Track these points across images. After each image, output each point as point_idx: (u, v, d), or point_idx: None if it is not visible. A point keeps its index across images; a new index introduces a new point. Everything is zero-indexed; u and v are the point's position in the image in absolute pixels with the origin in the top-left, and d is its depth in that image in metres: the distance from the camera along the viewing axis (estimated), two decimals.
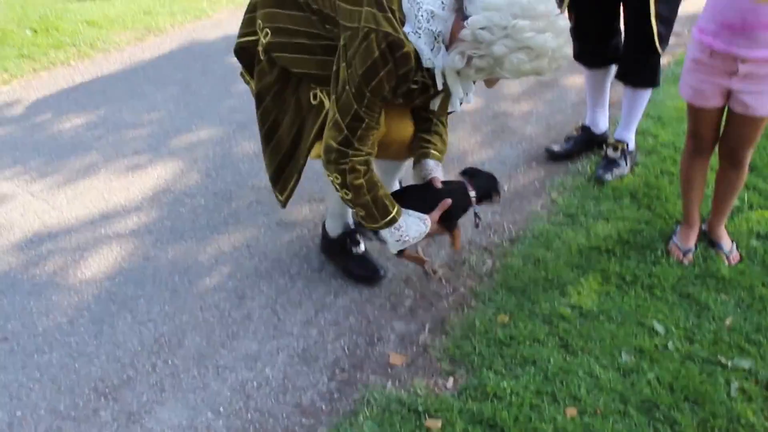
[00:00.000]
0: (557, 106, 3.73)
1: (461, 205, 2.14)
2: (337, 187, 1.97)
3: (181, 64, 4.47)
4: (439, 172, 2.13)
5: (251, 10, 2.10)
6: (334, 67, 1.85)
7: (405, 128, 2.13)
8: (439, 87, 1.87)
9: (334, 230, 2.44)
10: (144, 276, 2.45)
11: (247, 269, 2.47)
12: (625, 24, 2.78)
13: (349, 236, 2.41)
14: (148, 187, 3.00)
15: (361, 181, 1.92)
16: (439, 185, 2.11)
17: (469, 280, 2.39)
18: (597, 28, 2.85)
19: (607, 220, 2.67)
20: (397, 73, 1.76)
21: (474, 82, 2.00)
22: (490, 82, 1.90)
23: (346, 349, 2.12)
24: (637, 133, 3.19)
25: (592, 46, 2.91)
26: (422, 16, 1.73)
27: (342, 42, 1.80)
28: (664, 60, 4.24)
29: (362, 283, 2.37)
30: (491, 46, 1.66)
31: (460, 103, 1.97)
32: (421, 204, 2.06)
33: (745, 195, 2.81)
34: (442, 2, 1.74)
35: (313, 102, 2.02)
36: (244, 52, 2.15)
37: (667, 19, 2.62)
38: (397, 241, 2.03)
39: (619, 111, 3.15)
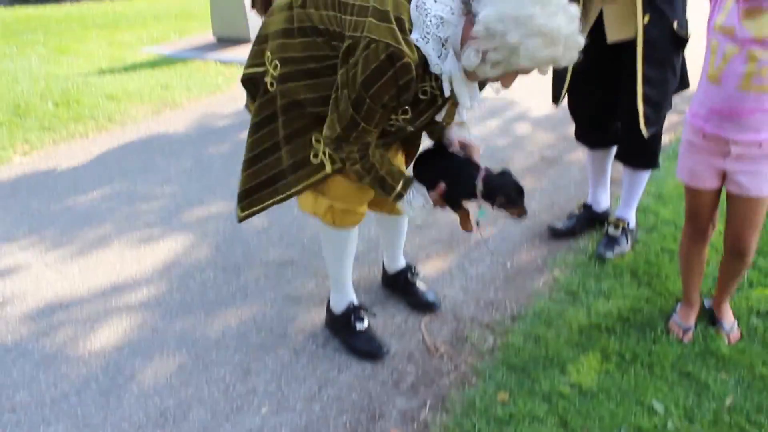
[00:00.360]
0: (561, 182, 3.81)
1: (463, 190, 2.11)
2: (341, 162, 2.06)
3: (195, 138, 4.62)
4: (456, 133, 2.19)
5: (260, 42, 2.15)
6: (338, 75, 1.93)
7: None
8: (446, 93, 1.87)
9: (338, 306, 2.49)
10: (151, 348, 2.50)
11: (253, 343, 2.51)
12: (618, 106, 2.87)
13: (353, 312, 2.46)
14: (159, 260, 3.08)
15: (358, 167, 1.99)
16: (453, 150, 2.18)
17: (470, 357, 2.42)
18: (595, 110, 2.94)
19: (608, 297, 2.70)
20: (397, 83, 1.79)
21: (483, 87, 2.04)
22: (507, 80, 1.86)
23: (348, 425, 2.14)
24: (638, 210, 3.25)
25: (592, 127, 3.00)
26: (430, 21, 1.77)
27: (344, 47, 1.84)
28: (665, 138, 4.33)
29: (365, 359, 2.41)
30: (505, 36, 1.66)
31: (466, 112, 2.04)
32: (429, 171, 2.15)
33: (746, 272, 2.85)
34: (451, 8, 1.77)
35: (314, 161, 2.08)
36: (251, 83, 2.20)
37: (656, 103, 2.66)
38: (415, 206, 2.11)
39: (620, 187, 3.22)
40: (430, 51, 1.79)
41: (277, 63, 2.04)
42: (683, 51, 2.68)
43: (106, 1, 11.03)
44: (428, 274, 2.88)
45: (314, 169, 2.09)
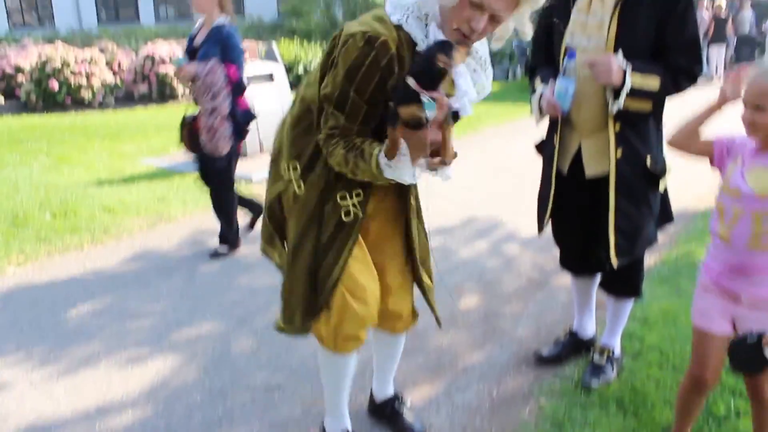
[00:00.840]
0: (548, 305, 3.86)
1: (401, 98, 1.77)
2: (336, 167, 2.03)
3: (188, 255, 4.69)
4: None
5: (274, 160, 2.27)
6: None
7: (403, 301, 2.33)
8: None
9: (333, 429, 2.48)
10: None
11: None
12: (598, 236, 2.90)
13: None
14: (146, 381, 3.07)
15: (341, 151, 1.96)
16: None
17: None
18: (577, 239, 3.00)
19: (594, 429, 2.70)
20: (380, 65, 1.83)
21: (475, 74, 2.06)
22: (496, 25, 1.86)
23: None
24: (623, 335, 3.29)
25: (575, 255, 3.08)
26: (407, 2, 1.89)
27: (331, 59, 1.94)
28: (650, 260, 4.44)
29: None
30: None
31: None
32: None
33: (731, 401, 2.85)
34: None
35: (347, 219, 2.12)
36: (273, 214, 2.27)
37: (628, 233, 2.71)
38: (397, 170, 1.92)
39: (606, 312, 3.27)
40: (413, 29, 1.87)
41: (296, 164, 2.13)
42: (660, 186, 2.74)
43: (109, 111, 11.38)
44: (415, 402, 2.88)
45: (350, 226, 2.14)
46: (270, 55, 8.06)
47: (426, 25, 1.89)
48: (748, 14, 19.06)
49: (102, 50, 13.03)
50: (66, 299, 3.96)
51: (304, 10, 18.64)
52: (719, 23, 16.06)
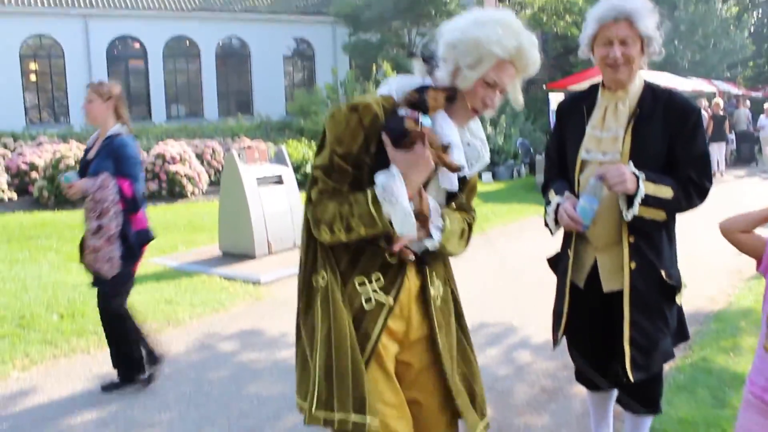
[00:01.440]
0: (563, 417, 3.77)
1: (393, 125, 1.95)
2: (329, 235, 1.97)
3: (196, 361, 4.62)
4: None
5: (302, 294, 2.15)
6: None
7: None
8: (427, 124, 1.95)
9: None
10: None
11: None
12: (615, 352, 2.82)
13: None
14: None
15: (329, 212, 1.96)
16: None
17: None
18: (593, 354, 2.94)
19: None
20: (363, 125, 1.93)
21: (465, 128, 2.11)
22: (484, 92, 2.00)
23: None
24: None
25: (590, 370, 3.02)
26: (396, 83, 2.05)
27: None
28: (666, 367, 4.36)
29: None
30: (466, 33, 1.95)
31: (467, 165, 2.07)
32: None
33: None
34: (413, 75, 2.06)
35: (368, 306, 2.03)
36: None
37: (644, 348, 2.67)
38: (391, 197, 1.93)
39: (624, 425, 3.17)
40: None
41: (324, 274, 2.05)
42: (676, 301, 2.72)
43: None
44: None
45: (374, 315, 2.03)
46: (279, 157, 8.23)
47: None
48: (744, 112, 19.60)
49: None
50: (70, 407, 3.88)
51: (312, 109, 19.14)
52: (718, 121, 16.44)
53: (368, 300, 2.04)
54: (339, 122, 1.97)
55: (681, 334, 2.84)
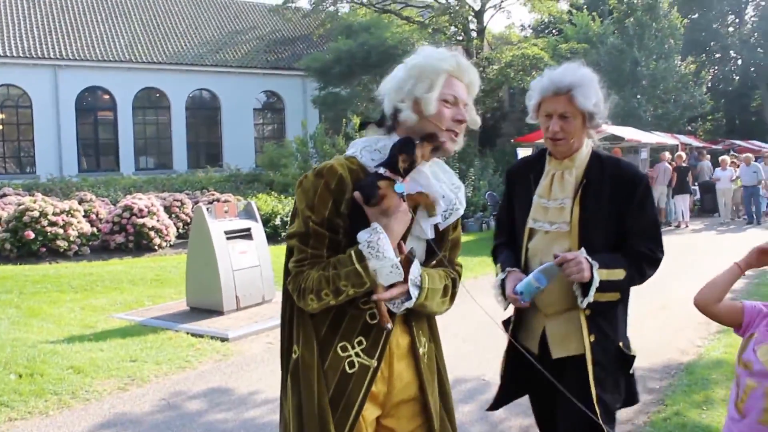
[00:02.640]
0: None
1: (366, 183, 1.97)
2: (317, 302, 1.95)
3: (161, 422, 4.46)
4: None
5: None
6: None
7: None
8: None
9: None
10: None
11: None
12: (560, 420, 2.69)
13: None
14: None
15: (313, 279, 1.95)
16: None
17: None
18: (551, 413, 2.77)
19: None
20: (330, 188, 1.96)
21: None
22: (448, 111, 2.05)
23: None
24: None
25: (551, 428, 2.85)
26: (365, 143, 2.09)
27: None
28: (639, 421, 4.32)
29: None
30: (407, 71, 2.05)
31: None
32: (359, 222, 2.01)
33: None
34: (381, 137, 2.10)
35: (350, 371, 1.98)
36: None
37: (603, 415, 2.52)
38: (378, 250, 1.92)
39: None
40: (366, 159, 2.04)
41: (295, 347, 2.05)
42: (629, 369, 2.66)
43: (84, 262, 11.29)
44: None
45: (359, 378, 1.98)
46: (248, 212, 8.15)
47: (378, 153, 2.07)
48: (707, 164, 20.17)
49: (81, 201, 13.14)
50: None
51: (282, 162, 19.16)
52: (681, 173, 16.82)
53: (351, 364, 2.00)
54: (307, 190, 2.01)
55: (631, 398, 2.73)
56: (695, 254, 11.03)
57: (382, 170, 1.97)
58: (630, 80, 23.09)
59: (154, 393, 5.00)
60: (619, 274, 2.50)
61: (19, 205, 11.54)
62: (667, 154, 17.26)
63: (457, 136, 2.11)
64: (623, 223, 2.56)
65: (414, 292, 2.01)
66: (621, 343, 2.61)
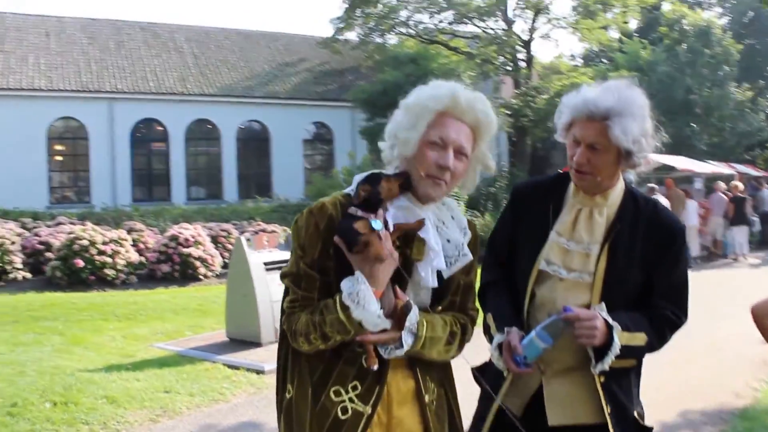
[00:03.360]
0: None
1: (343, 229, 1.84)
2: (308, 345, 1.87)
3: None
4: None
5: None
6: None
7: None
8: (390, 223, 1.86)
9: None
10: None
11: None
12: None
13: None
14: None
15: (302, 322, 1.86)
16: None
17: None
18: None
19: None
20: (319, 229, 1.86)
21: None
22: (432, 154, 1.89)
23: None
24: None
25: None
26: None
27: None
28: None
29: None
30: (400, 108, 1.94)
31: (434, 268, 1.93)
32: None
33: None
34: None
35: (344, 417, 1.87)
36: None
37: None
38: (360, 301, 1.80)
39: None
40: None
41: (289, 386, 1.98)
42: None
43: (130, 291, 11.44)
44: None
45: (352, 423, 1.87)
46: (290, 243, 8.13)
47: None
48: (766, 192, 19.22)
49: (130, 230, 13.38)
50: None
51: (328, 193, 19.16)
52: (738, 203, 16.16)
53: (344, 410, 1.89)
54: (300, 228, 1.93)
55: None
56: (751, 290, 10.56)
57: (352, 209, 1.85)
58: (682, 109, 22.59)
59: (185, 426, 4.95)
60: (640, 339, 2.12)
61: (70, 233, 11.80)
62: (722, 184, 16.71)
63: (441, 183, 1.91)
64: (650, 279, 2.18)
65: (408, 340, 1.88)
66: (636, 412, 2.22)
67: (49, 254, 11.95)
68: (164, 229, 13.79)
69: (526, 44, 28.16)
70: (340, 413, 1.88)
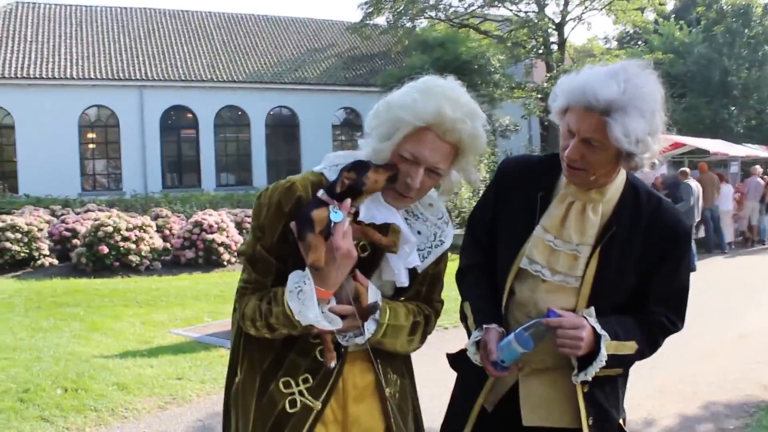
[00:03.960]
0: None
1: (302, 212, 1.69)
2: (255, 331, 1.76)
3: None
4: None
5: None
6: None
7: None
8: (362, 214, 1.73)
9: None
10: None
11: None
12: None
13: None
14: None
15: (251, 307, 1.75)
16: None
17: None
18: None
19: None
20: (283, 211, 1.72)
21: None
22: (406, 166, 1.73)
23: None
24: None
25: None
26: (338, 159, 1.82)
27: None
28: None
29: None
30: (387, 103, 1.74)
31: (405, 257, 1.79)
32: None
33: None
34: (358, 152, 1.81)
35: (292, 410, 1.76)
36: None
37: None
38: (303, 302, 1.67)
39: None
40: (331, 177, 1.76)
41: (239, 370, 1.88)
42: None
43: (153, 277, 11.48)
44: None
45: (299, 421, 1.75)
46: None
47: None
48: None
49: (156, 216, 13.44)
50: None
51: None
52: None
53: (293, 403, 1.77)
54: (262, 206, 1.79)
55: None
56: None
57: (320, 192, 1.70)
58: (720, 91, 21.96)
59: (192, 413, 4.89)
60: (629, 347, 1.91)
61: (96, 220, 11.89)
62: (759, 168, 16.21)
63: (406, 199, 1.78)
64: (648, 284, 1.95)
65: (369, 328, 1.74)
66: (621, 420, 2.05)
67: (75, 241, 12.05)
68: (191, 216, 13.83)
69: (558, 27, 27.65)
70: (288, 406, 1.77)
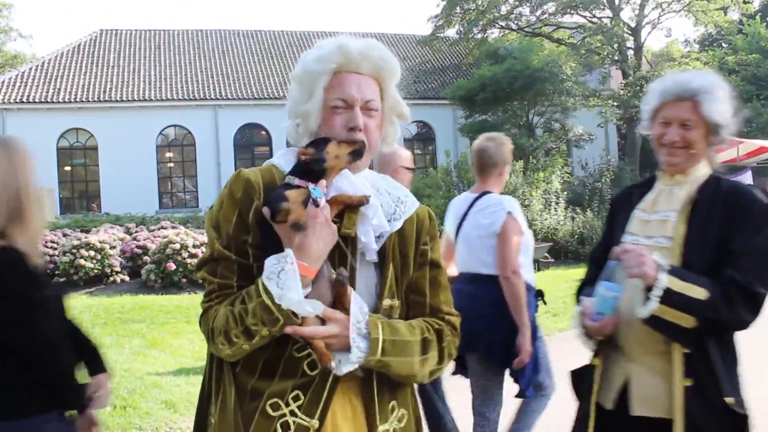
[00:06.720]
0: None
1: (274, 195, 1.58)
2: (228, 347, 1.54)
3: None
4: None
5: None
6: None
7: None
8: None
9: None
10: None
11: None
12: None
13: None
14: None
15: (221, 316, 1.55)
16: None
17: None
18: None
19: None
20: (235, 199, 1.60)
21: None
22: (337, 118, 1.66)
23: None
24: None
25: None
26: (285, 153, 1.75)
27: None
28: None
29: None
30: (299, 69, 1.71)
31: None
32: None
33: None
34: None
35: (272, 413, 1.55)
36: None
37: None
38: (284, 282, 1.49)
39: None
40: (281, 162, 1.70)
41: (213, 409, 1.67)
42: None
43: None
44: None
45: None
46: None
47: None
48: None
49: None
50: None
51: (426, 193, 18.90)
52: None
53: (286, 426, 1.54)
54: (213, 209, 1.65)
55: None
56: None
57: (289, 178, 1.61)
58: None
59: None
60: (698, 292, 2.01)
61: (164, 237, 12.09)
62: None
63: (362, 146, 1.65)
64: (728, 246, 2.11)
65: (360, 344, 1.52)
66: (733, 399, 2.05)
67: (146, 258, 12.28)
68: None
69: (635, 32, 26.72)
70: (280, 431, 1.54)
